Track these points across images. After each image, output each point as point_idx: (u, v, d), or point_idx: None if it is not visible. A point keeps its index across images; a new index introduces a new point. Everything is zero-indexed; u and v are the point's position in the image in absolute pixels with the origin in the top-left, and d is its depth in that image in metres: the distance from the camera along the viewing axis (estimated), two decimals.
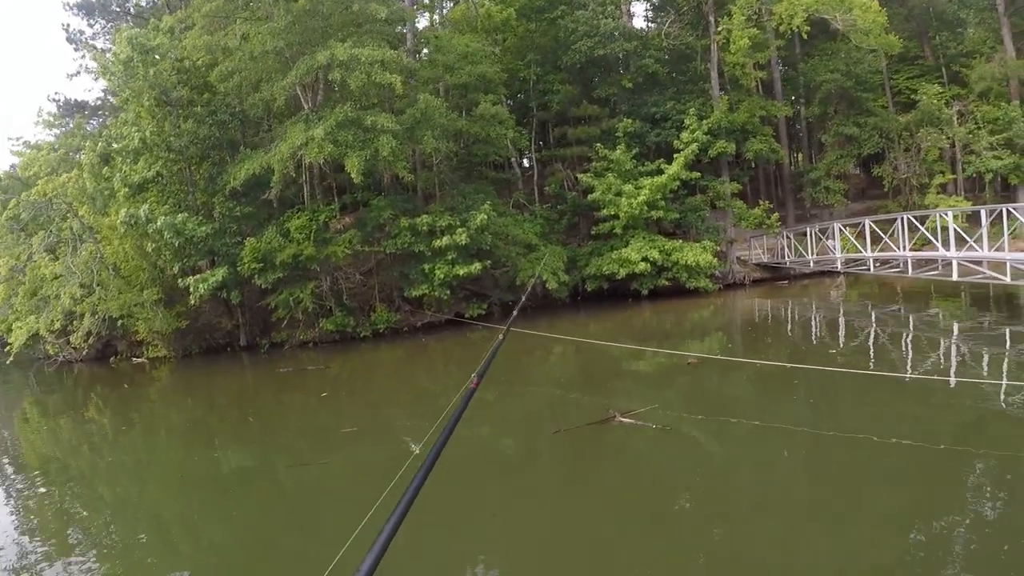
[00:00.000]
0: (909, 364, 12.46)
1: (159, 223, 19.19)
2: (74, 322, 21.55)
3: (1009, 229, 15.99)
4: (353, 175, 18.85)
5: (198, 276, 20.14)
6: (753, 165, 30.42)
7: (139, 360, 22.14)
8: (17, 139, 51.51)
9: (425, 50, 25.27)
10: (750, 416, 9.57)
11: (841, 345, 15.33)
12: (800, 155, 33.10)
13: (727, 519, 6.41)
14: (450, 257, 20.30)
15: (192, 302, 20.23)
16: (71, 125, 32.19)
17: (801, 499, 6.71)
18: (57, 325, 21.14)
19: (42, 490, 9.45)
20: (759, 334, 17.94)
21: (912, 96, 29.75)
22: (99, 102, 33.34)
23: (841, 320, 18.52)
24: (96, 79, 34.38)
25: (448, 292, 20.73)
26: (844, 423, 8.92)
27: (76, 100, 33.91)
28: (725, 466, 8.11)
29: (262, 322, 22.44)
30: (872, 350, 14.55)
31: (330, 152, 18.77)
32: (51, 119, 33.00)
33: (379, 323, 21.36)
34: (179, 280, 20.35)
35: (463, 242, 20.04)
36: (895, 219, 19.78)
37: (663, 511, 6.77)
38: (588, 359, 15.53)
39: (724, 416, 9.65)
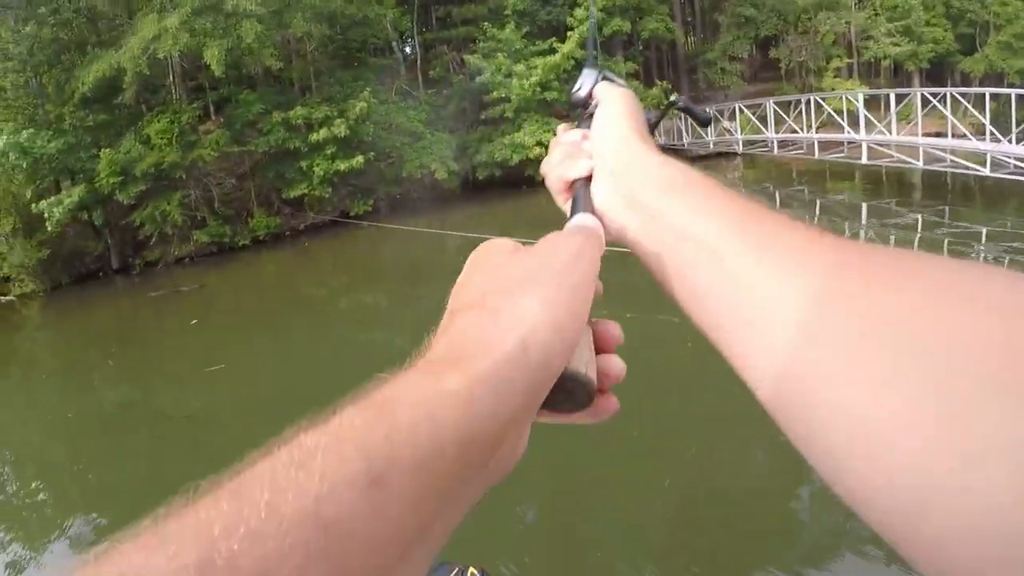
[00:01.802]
0: None
1: (1, 144, 16.80)
2: None
3: (898, 111, 16.14)
4: (213, 67, 16.96)
5: (52, 199, 17.80)
6: (640, 46, 29.48)
7: (6, 299, 19.76)
8: None
9: None
10: (671, 313, 8.92)
11: None
12: (692, 37, 32.32)
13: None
14: (329, 152, 18.74)
15: (49, 229, 17.88)
16: None
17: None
18: None
19: None
20: None
21: None
22: None
23: None
24: None
25: (330, 190, 19.22)
26: None
27: None
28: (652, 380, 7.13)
29: (133, 241, 20.31)
30: None
31: (186, 44, 16.74)
32: None
33: (258, 229, 19.70)
34: (32, 205, 17.95)
35: (342, 134, 18.47)
36: (798, 100, 19.30)
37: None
38: None
39: (639, 314, 8.89)
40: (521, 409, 0.34)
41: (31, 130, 17.61)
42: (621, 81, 0.68)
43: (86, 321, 15.74)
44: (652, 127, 0.64)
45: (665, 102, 0.70)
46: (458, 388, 0.31)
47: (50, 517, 5.95)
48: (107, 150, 18.18)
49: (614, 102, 0.62)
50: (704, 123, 0.71)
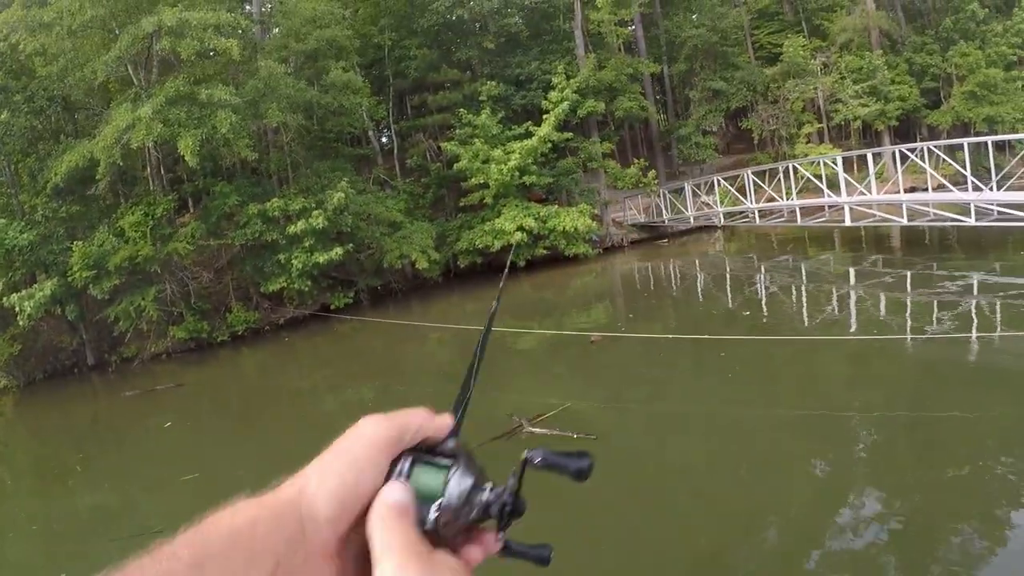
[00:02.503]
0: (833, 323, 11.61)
1: None
2: None
3: (876, 170, 16.22)
4: (187, 157, 16.70)
5: (24, 292, 17.26)
6: (613, 126, 29.94)
7: None
8: None
9: (276, 30, 22.97)
10: (684, 403, 8.32)
11: (735, 304, 14.46)
12: (663, 114, 32.94)
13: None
14: (307, 244, 18.38)
15: (21, 323, 17.32)
16: None
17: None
18: None
19: None
20: (653, 300, 16.96)
21: (775, 50, 30.24)
22: None
23: (729, 276, 17.87)
24: None
25: (309, 283, 18.78)
26: (795, 399, 7.97)
27: None
28: (674, 479, 6.59)
29: (109, 336, 19.72)
30: (765, 306, 13.75)
31: (160, 133, 16.52)
32: None
33: (237, 324, 19.19)
34: (3, 299, 17.41)
35: (320, 226, 18.17)
36: (775, 169, 19.51)
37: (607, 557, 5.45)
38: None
39: (654, 406, 8.24)
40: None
41: (2, 220, 17.30)
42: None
43: (60, 420, 15.17)
44: (496, 510, 0.54)
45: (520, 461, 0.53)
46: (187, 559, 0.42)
47: None
48: (80, 243, 17.78)
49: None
50: (574, 474, 0.53)
